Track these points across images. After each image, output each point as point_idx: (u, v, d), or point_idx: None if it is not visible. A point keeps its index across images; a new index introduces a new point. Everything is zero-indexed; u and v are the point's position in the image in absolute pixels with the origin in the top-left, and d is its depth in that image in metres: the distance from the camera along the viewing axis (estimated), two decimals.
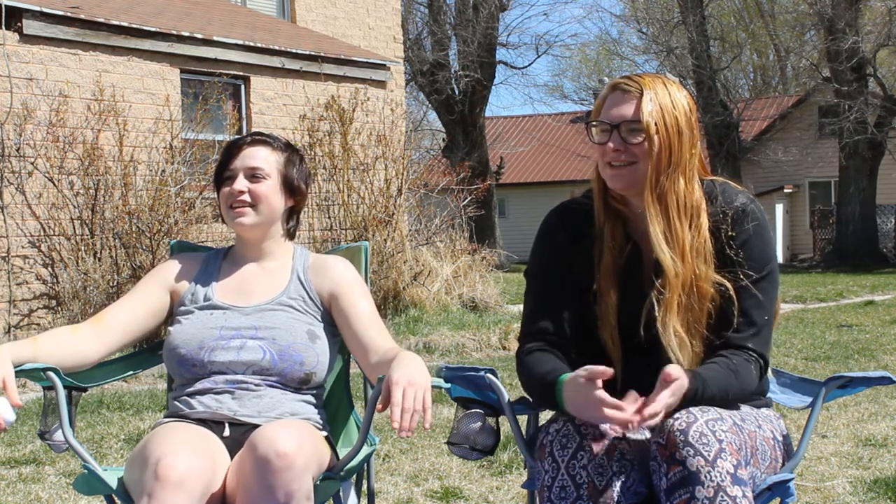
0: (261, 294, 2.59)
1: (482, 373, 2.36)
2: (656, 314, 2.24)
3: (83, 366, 2.51)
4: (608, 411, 2.05)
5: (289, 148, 2.65)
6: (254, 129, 11.06)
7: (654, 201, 2.24)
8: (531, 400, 2.39)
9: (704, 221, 2.28)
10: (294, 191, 2.62)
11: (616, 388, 2.28)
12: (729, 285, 2.25)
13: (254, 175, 2.55)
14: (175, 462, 2.14)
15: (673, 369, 2.08)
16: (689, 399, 2.10)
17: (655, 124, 2.22)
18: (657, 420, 2.05)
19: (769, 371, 2.48)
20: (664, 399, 2.05)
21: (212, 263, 2.65)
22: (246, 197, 2.54)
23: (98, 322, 2.53)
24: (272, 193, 2.57)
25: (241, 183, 2.54)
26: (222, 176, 2.58)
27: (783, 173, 29.06)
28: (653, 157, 2.23)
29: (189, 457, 2.18)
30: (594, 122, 2.29)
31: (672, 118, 2.24)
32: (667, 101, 2.25)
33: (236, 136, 2.71)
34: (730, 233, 2.27)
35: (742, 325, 2.25)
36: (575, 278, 2.34)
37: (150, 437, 2.34)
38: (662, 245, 2.23)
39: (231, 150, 2.60)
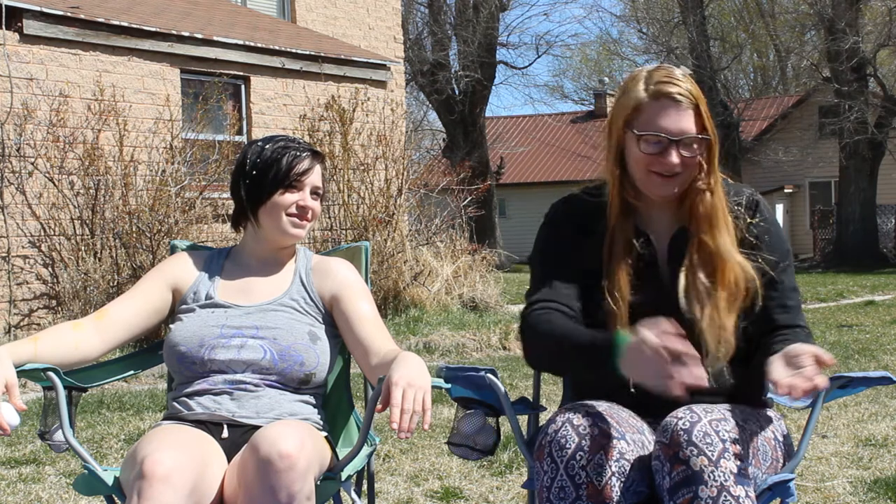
0: (263, 294, 2.59)
1: (482, 373, 2.36)
2: (697, 307, 2.23)
3: (84, 362, 2.51)
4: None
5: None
6: (254, 130, 11.08)
7: (716, 206, 2.28)
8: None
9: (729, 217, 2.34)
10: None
11: (628, 384, 2.27)
12: (755, 273, 2.29)
13: (315, 192, 2.59)
14: (161, 458, 2.14)
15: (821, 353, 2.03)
16: None
17: (713, 136, 2.27)
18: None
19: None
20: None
21: (215, 262, 2.65)
22: (310, 214, 2.58)
23: (100, 318, 2.52)
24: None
25: (310, 200, 2.57)
26: (286, 181, 2.54)
27: (783, 173, 29.06)
28: (702, 166, 2.28)
29: (176, 453, 2.18)
30: (649, 134, 2.24)
31: (712, 125, 2.29)
32: (707, 109, 2.29)
33: (296, 145, 2.65)
34: (749, 220, 2.33)
35: (787, 308, 2.30)
36: (580, 268, 2.34)
37: (142, 439, 2.35)
38: (729, 246, 2.27)
39: (299, 161, 2.56)
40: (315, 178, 2.58)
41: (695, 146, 2.25)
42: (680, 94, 2.24)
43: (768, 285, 2.30)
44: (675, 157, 2.23)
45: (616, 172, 2.32)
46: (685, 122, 2.24)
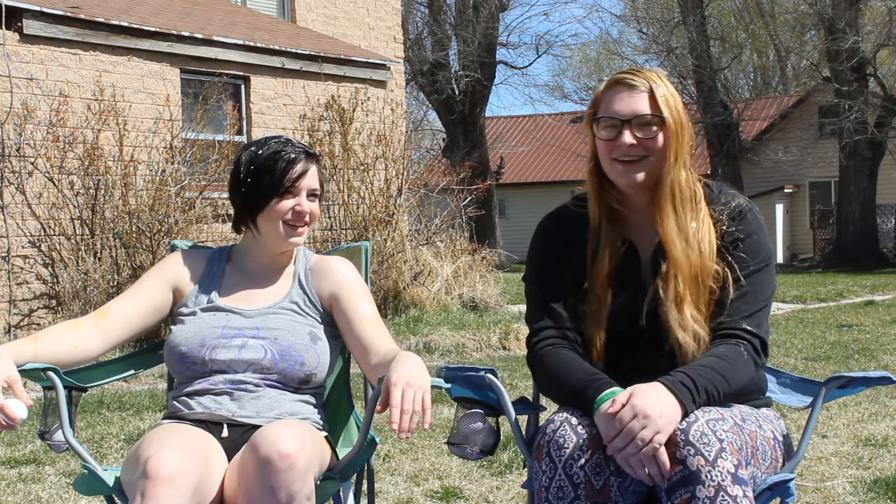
0: (263, 298, 2.59)
1: (482, 373, 2.36)
2: (666, 306, 2.24)
3: (85, 362, 2.50)
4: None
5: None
6: (254, 129, 11.07)
7: (667, 193, 2.28)
8: (546, 395, 2.39)
9: (707, 213, 2.32)
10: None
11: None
12: (729, 275, 2.28)
13: (312, 194, 2.56)
14: (165, 458, 2.14)
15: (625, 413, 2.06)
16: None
17: (670, 118, 2.26)
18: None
19: (767, 365, 2.48)
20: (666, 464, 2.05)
21: (215, 265, 2.65)
22: (307, 217, 2.55)
23: (100, 317, 2.52)
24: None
25: (307, 204, 2.54)
26: (281, 188, 2.52)
27: (783, 173, 29.05)
28: (665, 151, 2.27)
29: (179, 454, 2.18)
30: (602, 117, 2.29)
31: (676, 111, 2.29)
32: (670, 94, 2.30)
33: (289, 148, 2.60)
34: (730, 228, 2.31)
35: (736, 309, 2.27)
36: (577, 279, 2.35)
37: (144, 438, 2.35)
38: (674, 236, 2.26)
39: (293, 165, 2.53)
40: (311, 180, 2.55)
41: (652, 128, 2.27)
42: (633, 79, 2.28)
43: (734, 285, 2.28)
44: (627, 138, 2.26)
45: (593, 177, 2.34)
46: (637, 104, 2.27)
